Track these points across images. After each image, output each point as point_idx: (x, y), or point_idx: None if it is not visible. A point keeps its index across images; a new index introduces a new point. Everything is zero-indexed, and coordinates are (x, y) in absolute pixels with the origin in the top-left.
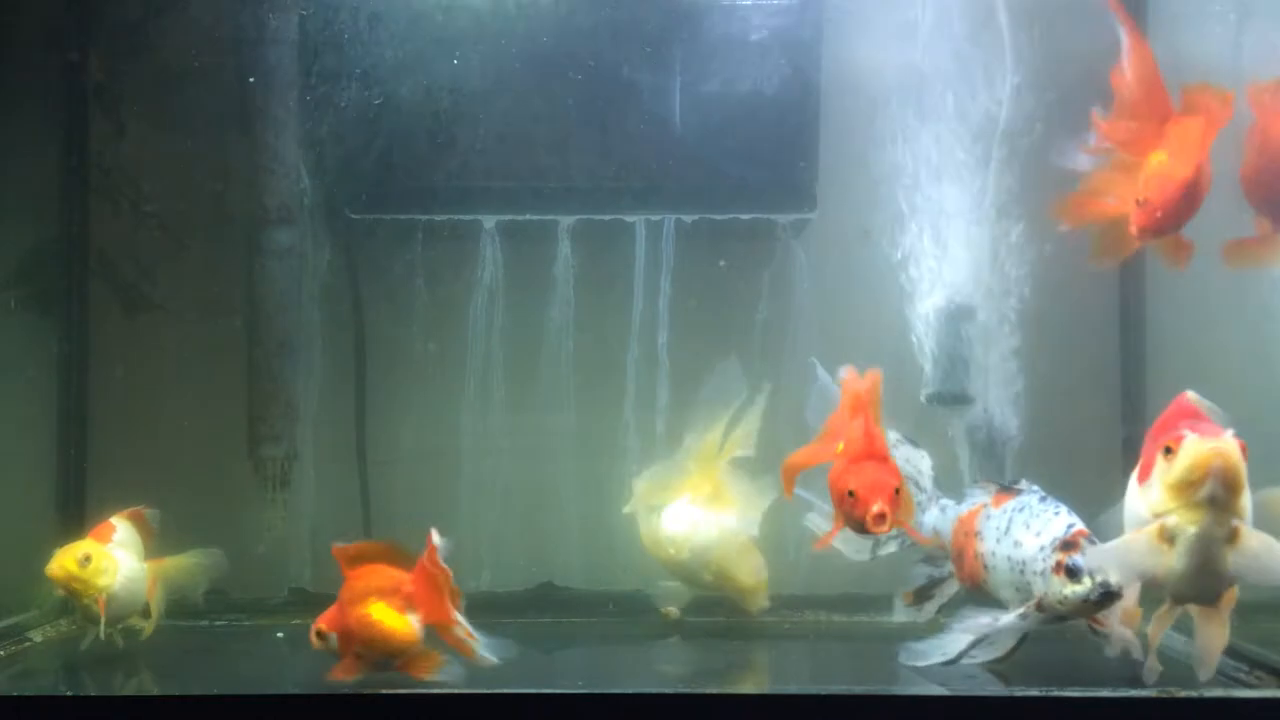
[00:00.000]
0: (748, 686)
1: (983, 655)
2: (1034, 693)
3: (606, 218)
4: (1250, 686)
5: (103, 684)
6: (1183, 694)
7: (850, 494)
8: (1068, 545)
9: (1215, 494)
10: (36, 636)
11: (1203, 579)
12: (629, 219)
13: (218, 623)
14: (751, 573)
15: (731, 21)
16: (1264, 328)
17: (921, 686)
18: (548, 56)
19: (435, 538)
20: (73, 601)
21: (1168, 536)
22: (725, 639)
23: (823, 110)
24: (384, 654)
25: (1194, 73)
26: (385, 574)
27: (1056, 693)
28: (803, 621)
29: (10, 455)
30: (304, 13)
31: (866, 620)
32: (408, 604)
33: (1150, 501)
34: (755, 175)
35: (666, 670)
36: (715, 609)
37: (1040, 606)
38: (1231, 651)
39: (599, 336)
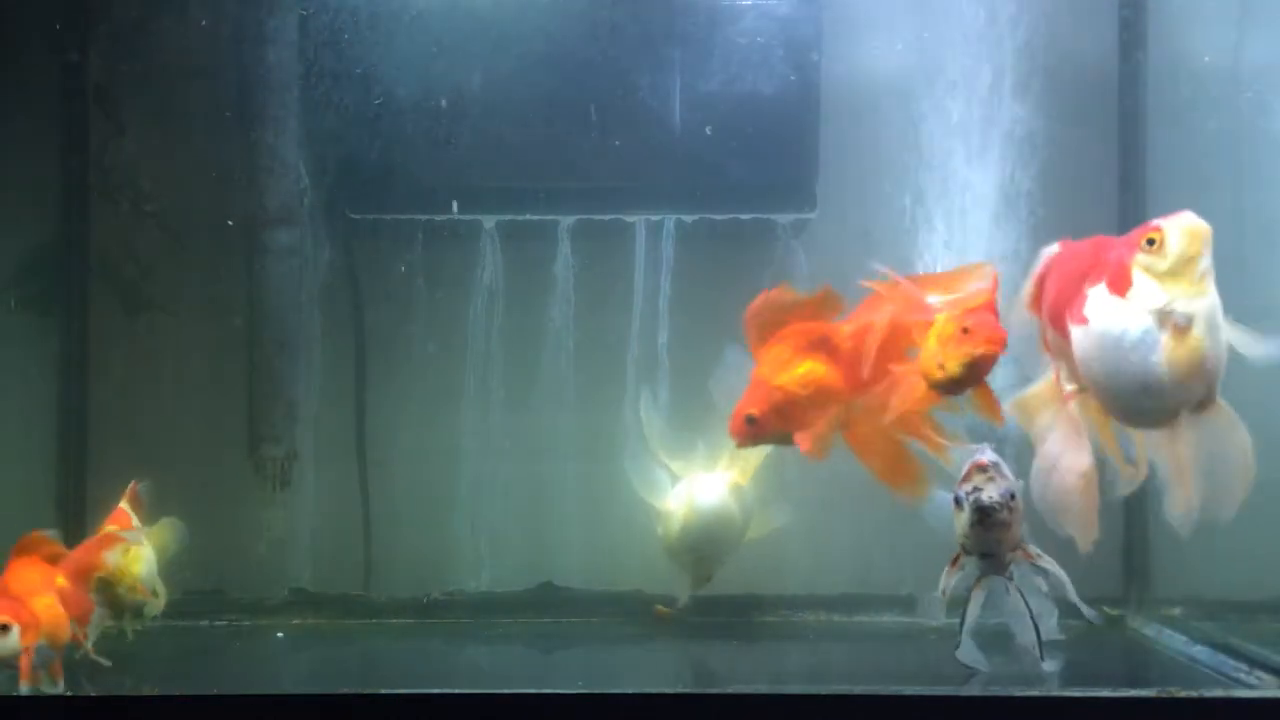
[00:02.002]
0: (748, 686)
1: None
2: (1034, 693)
3: (606, 218)
4: (1250, 686)
5: (103, 684)
6: (1183, 694)
7: (965, 329)
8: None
9: (1211, 265)
10: None
11: (1216, 361)
12: (629, 219)
13: (218, 623)
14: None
15: (731, 21)
16: (1265, 328)
17: (921, 686)
18: (548, 56)
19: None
20: (104, 594)
21: (1181, 324)
22: (725, 639)
23: (823, 110)
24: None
25: (1195, 73)
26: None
27: (1057, 693)
28: (803, 621)
29: (10, 454)
30: (304, 13)
31: (866, 620)
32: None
33: (1145, 302)
34: (755, 175)
35: (666, 670)
36: (715, 609)
37: (967, 551)
38: (1231, 651)
39: (599, 336)
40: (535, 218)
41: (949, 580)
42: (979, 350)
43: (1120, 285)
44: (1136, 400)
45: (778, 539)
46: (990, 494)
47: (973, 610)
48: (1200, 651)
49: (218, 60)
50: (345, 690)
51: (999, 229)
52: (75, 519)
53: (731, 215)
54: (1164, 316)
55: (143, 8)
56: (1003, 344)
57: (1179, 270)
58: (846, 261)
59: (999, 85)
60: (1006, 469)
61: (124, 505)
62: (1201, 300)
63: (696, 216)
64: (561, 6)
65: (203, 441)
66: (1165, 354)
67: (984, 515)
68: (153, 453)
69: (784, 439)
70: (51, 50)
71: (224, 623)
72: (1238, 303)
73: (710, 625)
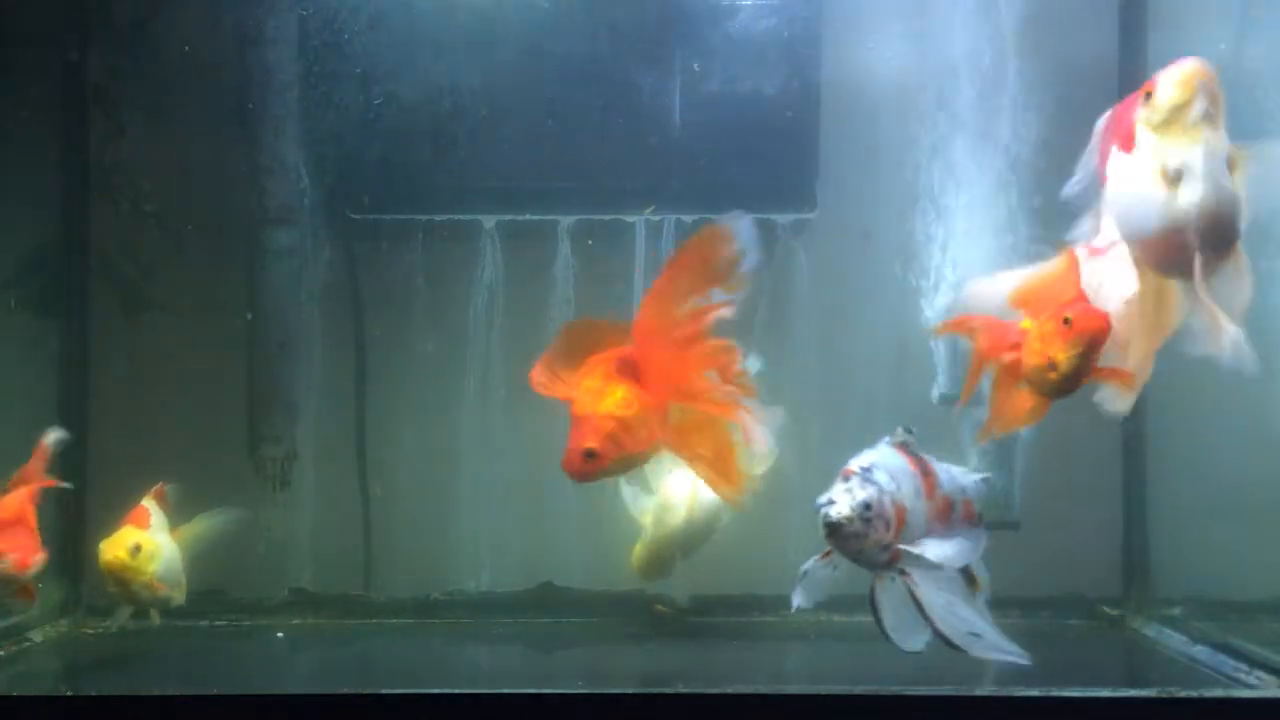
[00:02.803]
0: (748, 686)
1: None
2: (1034, 693)
3: (606, 218)
4: (1250, 686)
5: (103, 684)
6: (1183, 694)
7: (1067, 320)
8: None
9: (1208, 110)
10: (36, 636)
11: (1221, 207)
12: (629, 219)
13: (218, 623)
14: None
15: (732, 21)
16: (1265, 328)
17: (922, 686)
18: (548, 56)
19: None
20: (120, 590)
21: (1173, 176)
22: (726, 639)
23: (823, 110)
24: None
25: None
26: None
27: (1056, 693)
28: (803, 621)
29: (10, 454)
30: (304, 13)
31: (866, 620)
32: None
33: (1145, 153)
34: (755, 175)
35: (666, 670)
36: (715, 609)
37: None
38: (1231, 651)
39: None
40: (535, 218)
41: (813, 566)
42: (1086, 335)
43: (1127, 143)
44: (1152, 249)
45: (777, 539)
46: (840, 509)
47: (883, 610)
48: (1200, 651)
49: (218, 60)
50: (345, 690)
51: (998, 228)
52: (75, 519)
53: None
54: (1161, 168)
55: (143, 8)
56: (1108, 326)
57: (1171, 121)
58: (846, 261)
59: (999, 85)
60: (880, 474)
61: (146, 503)
62: (1196, 148)
63: (696, 216)
64: (562, 6)
65: (203, 441)
66: (1164, 206)
67: (829, 531)
68: (153, 453)
69: (621, 468)
70: (51, 50)
71: (224, 623)
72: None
73: (710, 625)
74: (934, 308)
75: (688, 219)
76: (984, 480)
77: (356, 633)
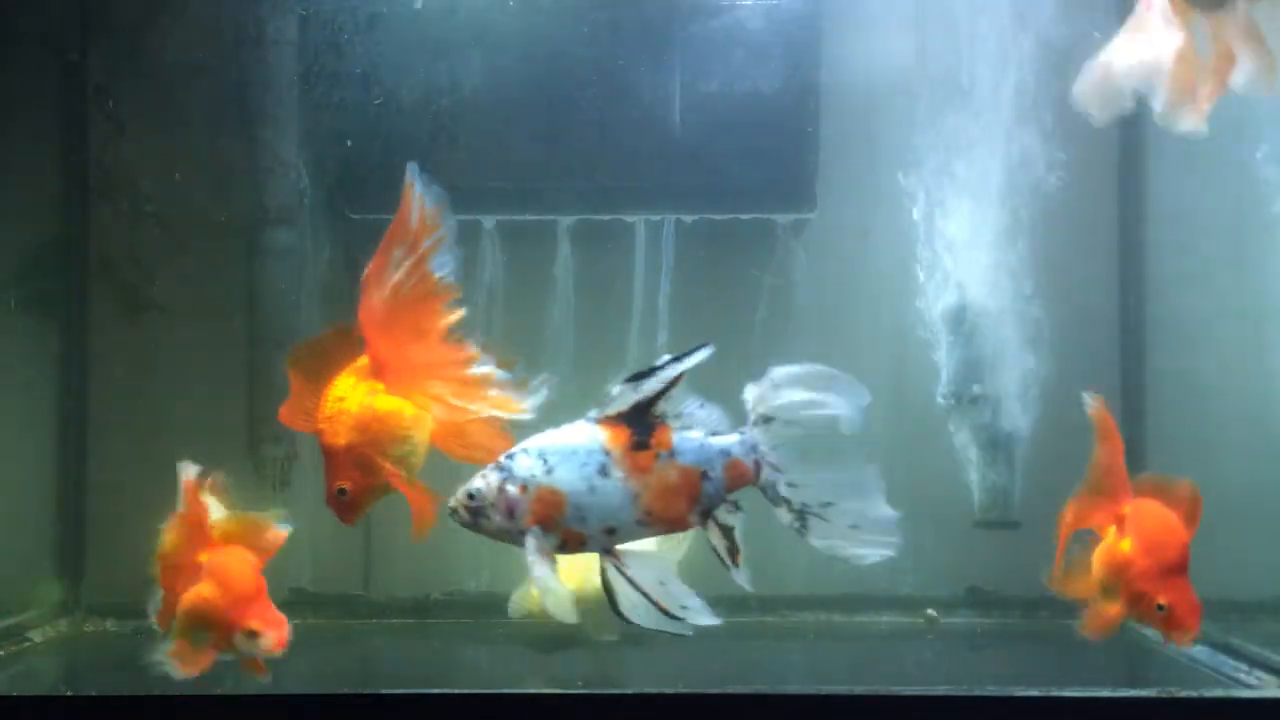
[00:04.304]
0: (748, 686)
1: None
2: (1034, 693)
3: (606, 218)
4: (1250, 686)
5: (103, 684)
6: (1183, 694)
7: (1160, 608)
8: None
9: None
10: (36, 636)
11: None
12: (629, 219)
13: None
14: None
15: (731, 21)
16: (1264, 328)
17: (921, 686)
18: (548, 56)
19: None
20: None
21: None
22: (725, 639)
23: (823, 110)
24: None
25: None
26: None
27: (1056, 693)
28: (803, 621)
29: (10, 455)
30: (304, 13)
31: (866, 620)
32: None
33: None
34: (755, 175)
35: (666, 670)
36: (715, 609)
37: None
38: (1231, 651)
39: (599, 336)
40: (535, 218)
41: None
42: (1173, 634)
43: None
44: None
45: (773, 538)
46: (455, 495)
47: (617, 594)
48: (1200, 651)
49: (218, 60)
50: (345, 690)
51: (998, 228)
52: (75, 518)
53: (731, 215)
54: None
55: (143, 8)
56: (1195, 636)
57: None
58: (846, 261)
59: (998, 84)
60: (524, 459)
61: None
62: None
63: (696, 216)
64: (562, 6)
65: (202, 441)
66: None
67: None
68: (152, 453)
69: (389, 489)
70: (51, 50)
71: None
72: (1236, 302)
73: (710, 625)
74: (935, 307)
75: (688, 219)
76: (745, 438)
77: (356, 633)
